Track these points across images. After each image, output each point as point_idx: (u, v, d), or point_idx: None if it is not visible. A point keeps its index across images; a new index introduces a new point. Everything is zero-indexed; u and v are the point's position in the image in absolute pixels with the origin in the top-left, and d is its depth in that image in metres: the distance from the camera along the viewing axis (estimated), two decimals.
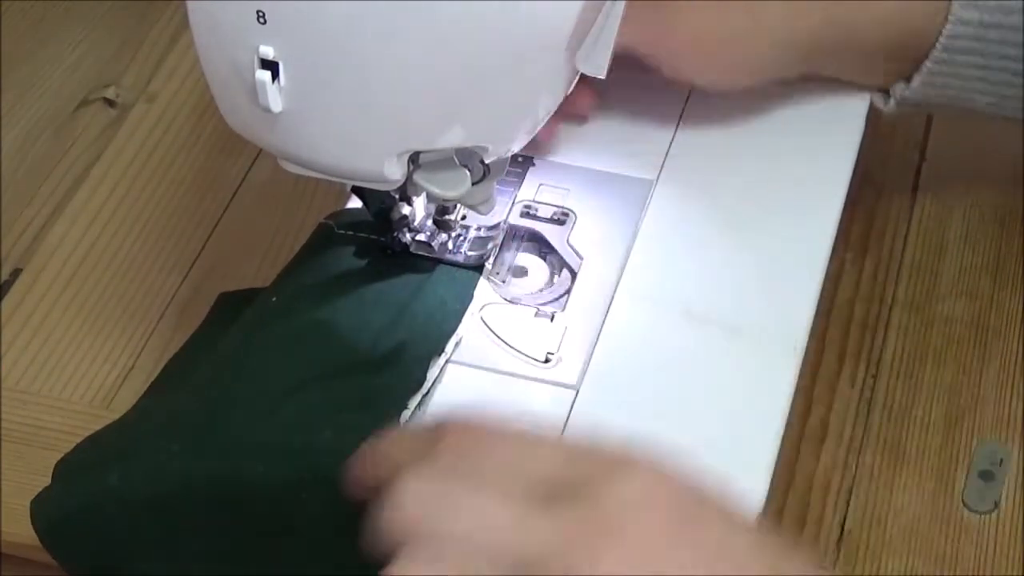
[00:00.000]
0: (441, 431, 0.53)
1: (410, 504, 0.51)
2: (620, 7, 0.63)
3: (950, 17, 0.70)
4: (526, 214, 0.72)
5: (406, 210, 0.67)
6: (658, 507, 0.50)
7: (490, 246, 0.69)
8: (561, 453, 0.53)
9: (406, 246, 0.69)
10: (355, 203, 0.70)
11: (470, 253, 0.69)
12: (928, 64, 0.71)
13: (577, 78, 0.66)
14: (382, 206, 0.68)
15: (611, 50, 0.64)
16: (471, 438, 0.53)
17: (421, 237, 0.68)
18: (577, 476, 0.51)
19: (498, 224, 0.69)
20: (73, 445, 0.73)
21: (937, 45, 0.71)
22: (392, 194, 0.67)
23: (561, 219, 0.72)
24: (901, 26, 0.71)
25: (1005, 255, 0.79)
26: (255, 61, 0.59)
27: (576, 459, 0.52)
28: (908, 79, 0.73)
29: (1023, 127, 0.75)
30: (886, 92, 0.74)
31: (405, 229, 0.68)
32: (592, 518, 0.50)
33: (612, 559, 0.49)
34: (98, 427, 0.74)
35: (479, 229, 0.69)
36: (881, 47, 0.72)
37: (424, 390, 0.64)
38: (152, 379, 0.75)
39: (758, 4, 0.70)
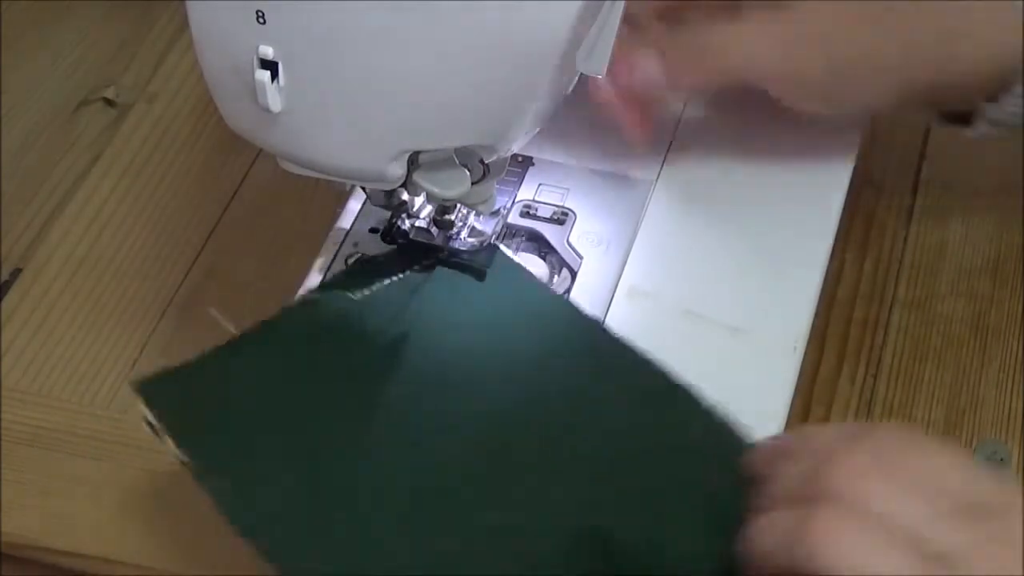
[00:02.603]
0: (870, 428, 0.59)
1: (842, 472, 0.55)
2: (620, 7, 0.63)
3: None
4: (526, 214, 0.72)
5: (405, 195, 0.67)
6: None
7: (490, 233, 0.69)
8: (971, 471, 0.57)
9: (405, 233, 0.68)
10: (356, 204, 0.70)
11: (469, 239, 0.69)
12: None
13: (577, 78, 0.66)
14: (383, 193, 0.68)
15: (611, 50, 0.64)
16: (902, 438, 0.58)
17: (421, 223, 0.68)
18: (987, 496, 0.55)
19: (498, 210, 0.69)
20: (73, 445, 0.73)
21: None
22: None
23: (561, 219, 0.72)
24: (1000, 48, 0.69)
25: (1005, 255, 0.79)
26: (255, 61, 0.59)
27: (983, 479, 0.56)
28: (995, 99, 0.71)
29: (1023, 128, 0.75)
30: (964, 119, 0.73)
31: (404, 215, 0.68)
32: (1002, 535, 0.54)
33: (1014, 565, 0.53)
34: (98, 427, 0.74)
35: (477, 217, 0.69)
36: (979, 68, 0.70)
37: None
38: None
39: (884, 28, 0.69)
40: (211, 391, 0.61)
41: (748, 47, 0.69)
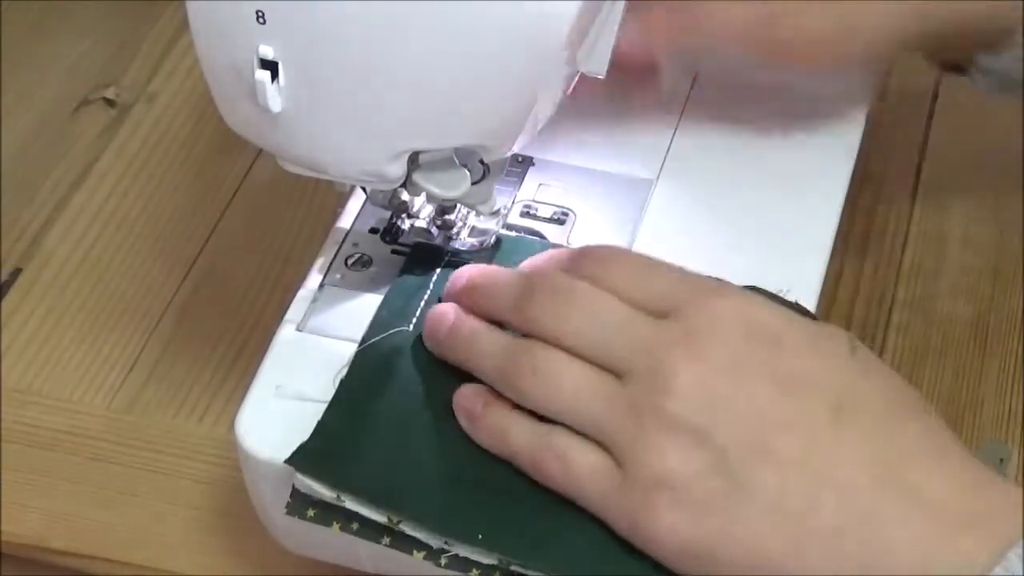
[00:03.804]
0: (584, 248, 0.62)
1: (544, 286, 0.60)
2: (620, 7, 0.63)
3: None
4: (526, 214, 0.72)
5: (405, 196, 0.67)
6: (740, 328, 0.57)
7: (491, 233, 0.69)
8: (676, 275, 0.60)
9: (404, 233, 0.68)
10: (356, 205, 0.70)
11: (469, 239, 0.69)
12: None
13: (577, 78, 0.66)
14: (382, 193, 0.68)
15: (612, 50, 0.64)
16: (607, 251, 0.61)
17: (420, 223, 0.68)
18: (683, 296, 0.58)
19: (499, 210, 0.69)
20: (73, 445, 0.73)
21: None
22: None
23: (561, 219, 0.71)
24: None
25: (1005, 255, 0.79)
26: (255, 61, 0.59)
27: (686, 281, 0.60)
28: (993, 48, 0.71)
29: (1023, 126, 0.76)
30: (961, 69, 0.73)
31: (404, 215, 0.68)
32: (681, 332, 0.57)
33: (686, 376, 0.56)
34: (98, 427, 0.74)
35: (479, 217, 0.69)
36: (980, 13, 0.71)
37: None
38: (152, 381, 0.76)
39: None
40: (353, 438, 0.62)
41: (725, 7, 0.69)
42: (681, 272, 0.61)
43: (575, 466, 0.57)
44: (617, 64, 0.64)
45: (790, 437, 0.55)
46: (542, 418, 0.59)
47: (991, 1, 0.70)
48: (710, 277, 0.61)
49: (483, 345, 0.61)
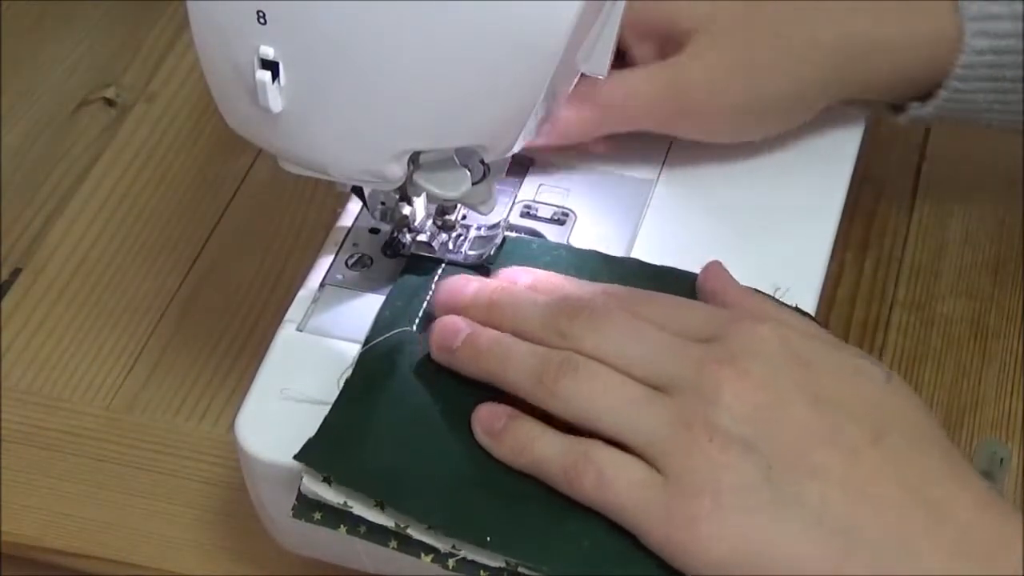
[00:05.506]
0: (608, 289, 0.64)
1: (583, 307, 0.60)
2: (620, 7, 0.63)
3: (964, 48, 0.70)
4: (526, 214, 0.72)
5: (406, 210, 0.67)
6: (781, 351, 0.58)
7: (490, 245, 0.69)
8: (709, 309, 0.62)
9: (405, 246, 0.69)
10: (356, 205, 0.70)
11: (470, 252, 0.69)
12: (943, 92, 0.71)
13: (577, 78, 0.66)
14: (382, 207, 0.68)
15: (612, 50, 0.64)
16: (638, 294, 0.63)
17: (422, 237, 0.68)
18: (722, 323, 0.60)
19: (498, 223, 0.69)
20: (73, 445, 0.73)
21: (952, 74, 0.71)
22: (392, 194, 0.67)
23: (561, 219, 0.72)
24: (915, 57, 0.71)
25: (1005, 255, 0.79)
26: (255, 61, 0.59)
27: (721, 312, 0.62)
28: (923, 99, 0.73)
29: (1023, 128, 0.76)
30: (897, 107, 0.74)
31: (406, 229, 0.68)
32: (725, 352, 0.58)
33: (732, 391, 0.57)
34: (98, 427, 0.74)
35: (479, 229, 0.69)
36: (895, 79, 0.72)
37: None
38: (152, 381, 0.76)
39: (771, 51, 0.70)
40: (358, 435, 0.62)
41: (635, 87, 0.70)
42: (711, 307, 0.63)
43: (613, 477, 0.57)
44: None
45: (832, 454, 0.56)
46: (569, 431, 0.59)
47: (909, 63, 0.72)
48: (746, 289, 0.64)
49: (512, 354, 0.60)
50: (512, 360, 0.60)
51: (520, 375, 0.60)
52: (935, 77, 0.71)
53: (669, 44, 0.71)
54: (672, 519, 0.56)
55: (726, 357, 0.58)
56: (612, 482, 0.57)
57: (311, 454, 0.60)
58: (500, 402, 0.61)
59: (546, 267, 0.67)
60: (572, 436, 0.59)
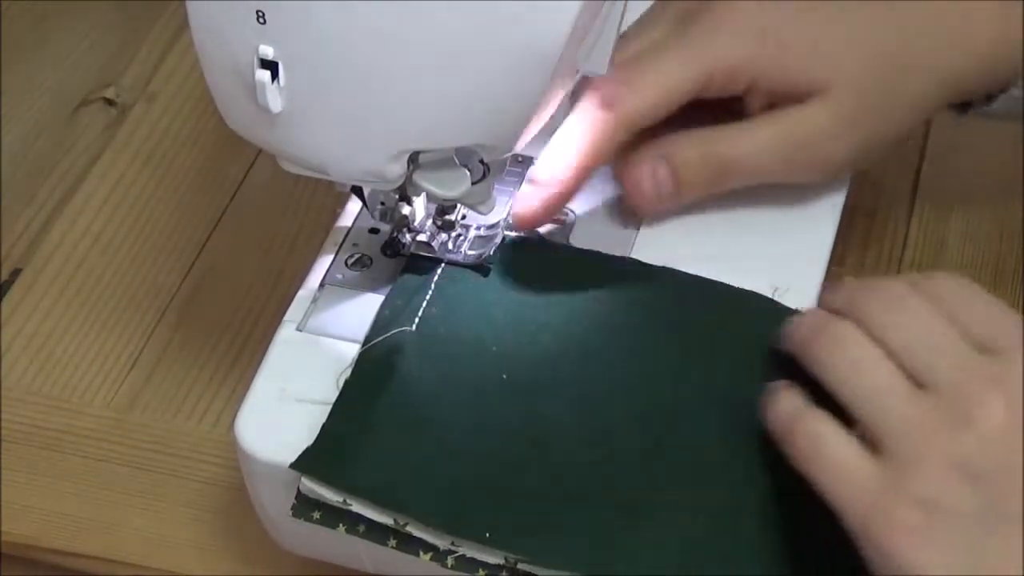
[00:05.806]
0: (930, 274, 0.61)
1: (872, 295, 0.60)
2: (620, 7, 0.63)
3: None
4: None
5: (406, 210, 0.67)
6: None
7: (490, 245, 0.69)
8: (1012, 317, 0.59)
9: (405, 246, 0.69)
10: (356, 205, 0.70)
11: (470, 252, 0.69)
12: (1015, 91, 0.71)
13: (578, 78, 0.66)
14: (382, 207, 0.68)
15: (612, 50, 0.64)
16: (955, 283, 0.60)
17: (422, 237, 0.68)
18: (1010, 338, 0.57)
19: (498, 223, 0.69)
20: (73, 445, 0.73)
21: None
22: (392, 194, 0.67)
23: (561, 219, 0.71)
24: (1004, 64, 0.71)
25: (1005, 255, 0.79)
26: (255, 61, 0.59)
27: (1018, 326, 0.58)
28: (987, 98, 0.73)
29: (1023, 128, 0.76)
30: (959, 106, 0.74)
31: (405, 229, 0.68)
32: (998, 372, 0.56)
33: (995, 414, 0.55)
34: (98, 427, 0.74)
35: (479, 228, 0.69)
36: (982, 90, 0.72)
37: None
38: (152, 381, 0.76)
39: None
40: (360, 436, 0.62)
41: (756, 146, 0.69)
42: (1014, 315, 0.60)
43: (831, 452, 0.57)
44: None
45: None
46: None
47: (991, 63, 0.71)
48: None
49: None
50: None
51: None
52: (1008, 77, 0.71)
53: (787, 97, 0.69)
54: (877, 516, 0.55)
55: (997, 377, 0.56)
56: (830, 456, 0.57)
57: (308, 462, 0.60)
58: None
59: (545, 267, 0.67)
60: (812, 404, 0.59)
